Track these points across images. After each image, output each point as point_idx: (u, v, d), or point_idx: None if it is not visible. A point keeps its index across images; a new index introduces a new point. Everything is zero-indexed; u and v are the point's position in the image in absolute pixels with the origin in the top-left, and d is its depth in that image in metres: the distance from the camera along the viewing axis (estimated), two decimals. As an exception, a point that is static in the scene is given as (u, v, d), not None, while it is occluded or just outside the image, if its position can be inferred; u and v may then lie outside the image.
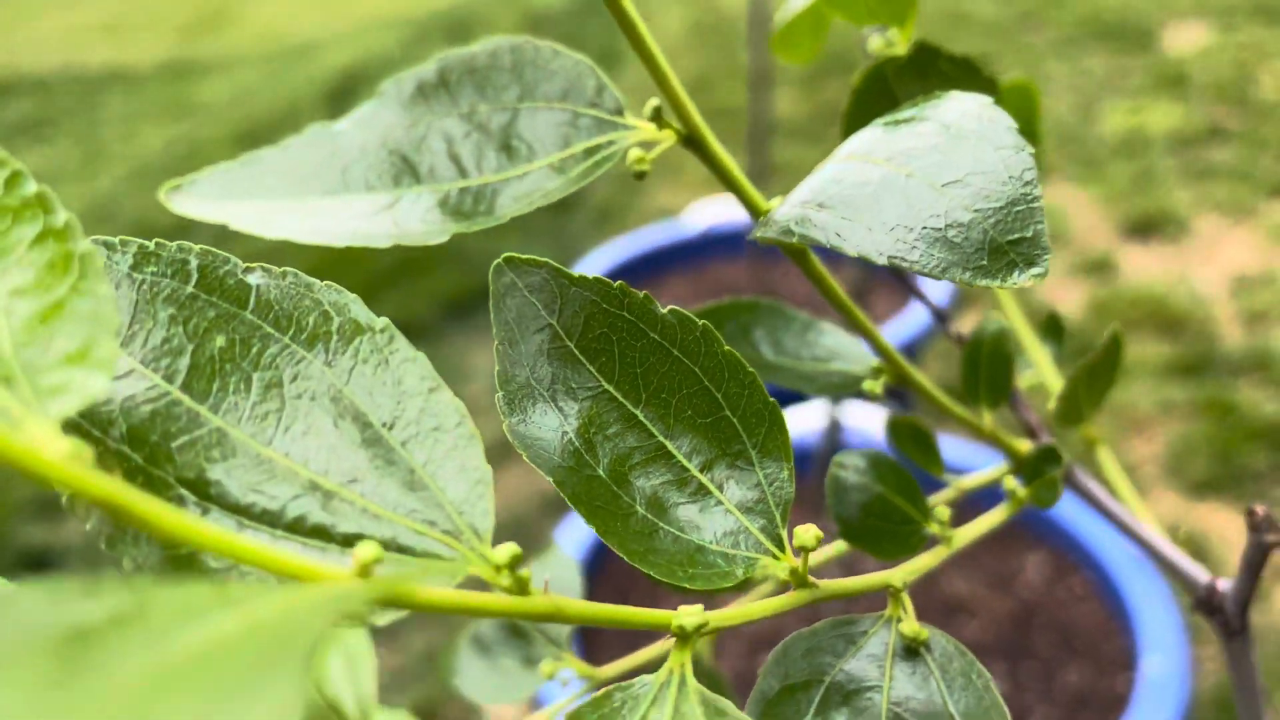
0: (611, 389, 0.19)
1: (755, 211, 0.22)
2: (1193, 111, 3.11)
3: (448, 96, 0.21)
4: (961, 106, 0.18)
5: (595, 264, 1.78)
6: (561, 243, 2.76)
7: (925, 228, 0.17)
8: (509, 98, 0.21)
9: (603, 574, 1.17)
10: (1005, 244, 0.16)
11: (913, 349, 1.43)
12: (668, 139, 0.22)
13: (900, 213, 0.17)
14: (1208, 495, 1.66)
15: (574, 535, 1.15)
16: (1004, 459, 0.25)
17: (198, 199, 0.21)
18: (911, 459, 0.26)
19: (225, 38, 4.91)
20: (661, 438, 0.18)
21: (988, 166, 0.17)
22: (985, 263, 0.16)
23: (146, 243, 0.17)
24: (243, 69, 4.50)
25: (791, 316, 0.26)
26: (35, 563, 1.91)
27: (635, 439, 0.18)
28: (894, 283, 1.73)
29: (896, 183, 0.17)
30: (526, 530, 1.78)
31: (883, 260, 0.17)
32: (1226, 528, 1.58)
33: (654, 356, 0.19)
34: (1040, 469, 0.24)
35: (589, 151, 0.21)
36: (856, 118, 0.26)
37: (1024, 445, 0.26)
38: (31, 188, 0.14)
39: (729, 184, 0.22)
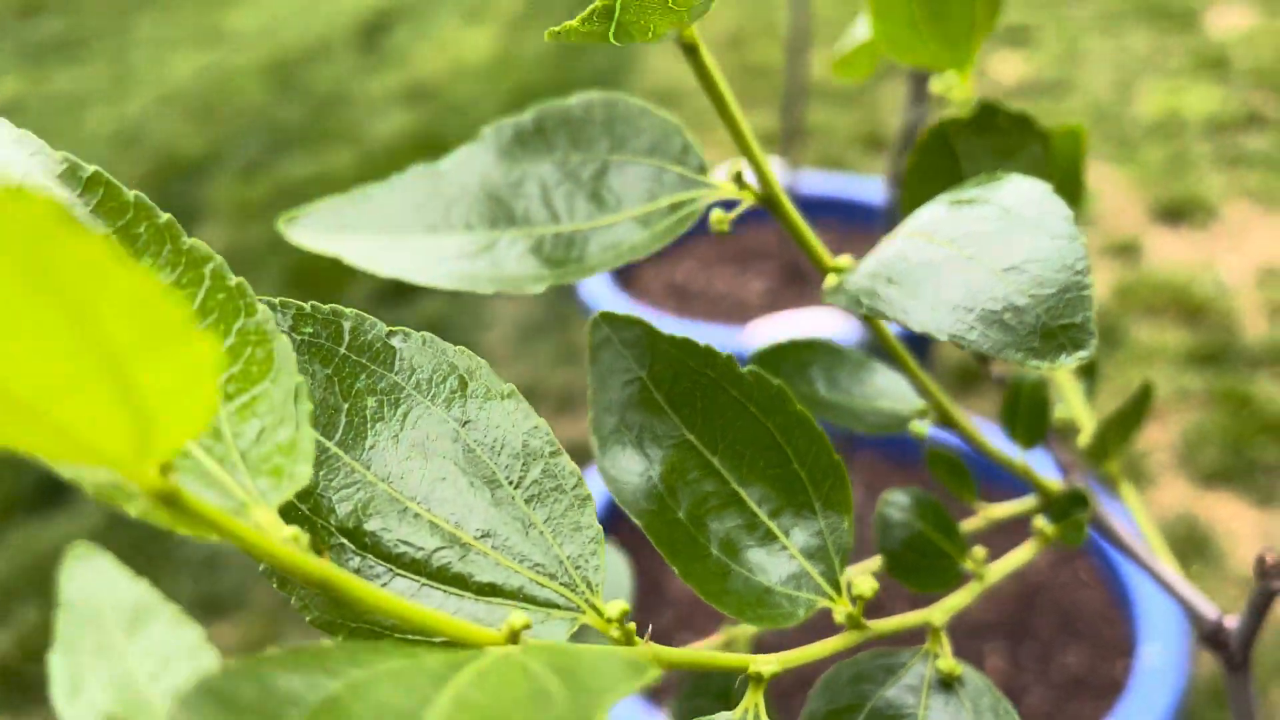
0: (693, 439, 0.21)
1: (822, 268, 0.24)
2: (1231, 96, 3.07)
3: (544, 144, 0.23)
4: (1020, 191, 0.20)
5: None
6: (588, 195, 2.78)
7: (984, 310, 0.18)
8: (600, 149, 0.23)
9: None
10: (1056, 328, 0.18)
11: (924, 349, 1.44)
12: (747, 199, 0.23)
13: (961, 294, 0.19)
14: (1217, 485, 1.68)
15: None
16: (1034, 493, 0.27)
17: (313, 231, 0.23)
18: (948, 487, 0.28)
19: (259, -34, 4.87)
20: (735, 485, 0.20)
21: (1044, 254, 0.19)
22: (1037, 345, 0.18)
23: (304, 305, 0.19)
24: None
25: (846, 355, 0.28)
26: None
27: (712, 485, 0.20)
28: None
29: (958, 265, 0.19)
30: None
31: (944, 337, 0.18)
32: (1233, 520, 1.60)
33: (732, 411, 0.21)
34: (1069, 510, 0.26)
35: (673, 207, 0.23)
36: (919, 174, 0.27)
37: (1054, 484, 0.27)
38: (232, 281, 0.15)
39: (799, 240, 0.24)
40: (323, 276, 2.54)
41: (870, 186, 1.87)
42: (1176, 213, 2.47)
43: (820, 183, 1.89)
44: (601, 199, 0.22)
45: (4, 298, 0.07)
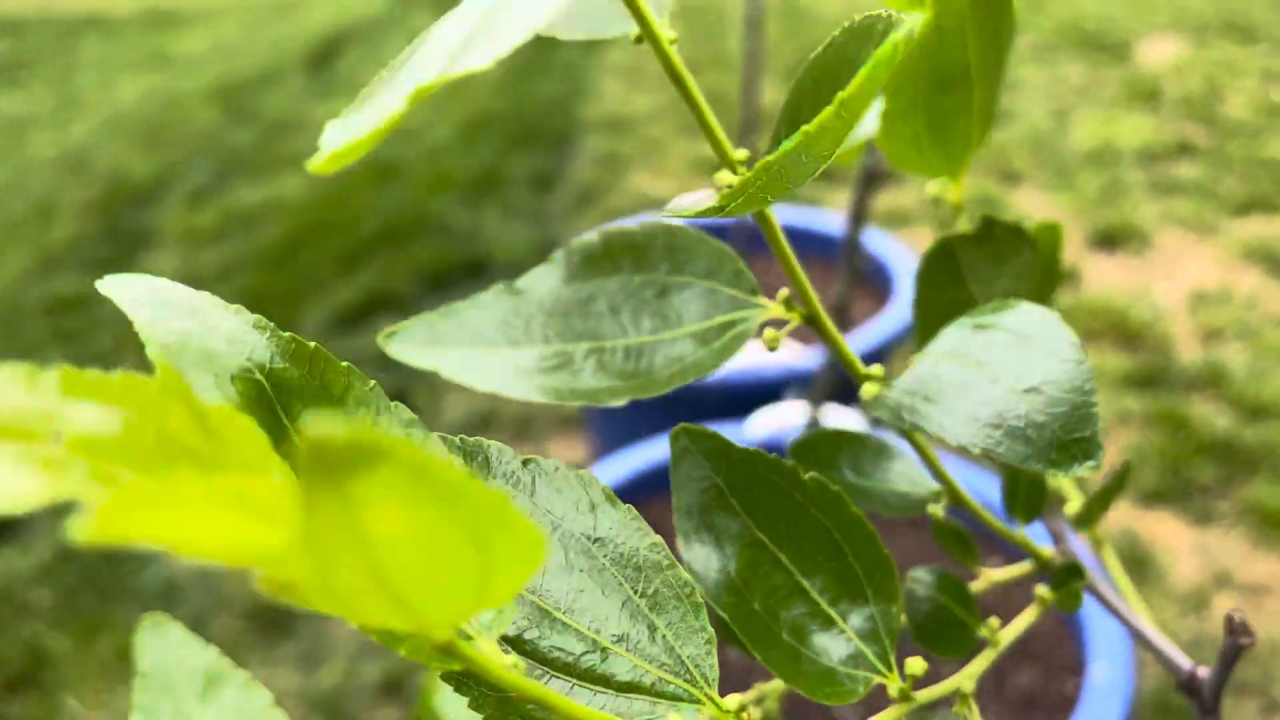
0: (763, 537, 0.24)
1: (857, 376, 0.27)
2: (1163, 126, 3.20)
3: (610, 265, 0.26)
4: (1031, 318, 0.24)
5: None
6: (541, 221, 2.79)
7: (1010, 426, 0.22)
8: (661, 271, 0.26)
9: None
10: (1070, 441, 0.22)
11: (883, 354, 1.49)
12: (795, 319, 0.27)
13: (989, 413, 0.22)
14: (1156, 505, 1.75)
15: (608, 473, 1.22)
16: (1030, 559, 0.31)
17: (410, 345, 0.26)
18: (953, 555, 0.31)
19: (206, -12, 4.83)
20: (800, 578, 0.24)
21: (1057, 377, 0.22)
22: (1054, 456, 0.22)
23: (468, 438, 0.22)
24: (223, 22, 4.45)
25: (868, 443, 0.32)
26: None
27: (780, 579, 0.24)
28: (872, 292, 1.79)
29: (985, 386, 0.23)
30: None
31: (977, 450, 0.22)
32: (1172, 538, 1.67)
33: (796, 512, 0.24)
34: (1066, 580, 0.30)
35: (726, 325, 0.26)
36: (928, 280, 0.31)
37: (1047, 551, 0.31)
38: (421, 434, 0.18)
39: (837, 351, 0.27)
40: (275, 304, 2.53)
41: (827, 217, 1.92)
42: (1112, 240, 2.57)
43: (777, 213, 1.93)
44: (663, 316, 0.25)
45: (427, 534, 0.10)
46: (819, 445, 0.31)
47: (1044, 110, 3.40)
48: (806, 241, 1.88)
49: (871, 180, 1.03)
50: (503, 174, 3.09)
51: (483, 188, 3.02)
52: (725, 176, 0.24)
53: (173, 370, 0.10)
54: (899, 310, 1.57)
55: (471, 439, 0.22)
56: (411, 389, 2.14)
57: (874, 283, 1.78)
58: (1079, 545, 0.32)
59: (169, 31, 4.58)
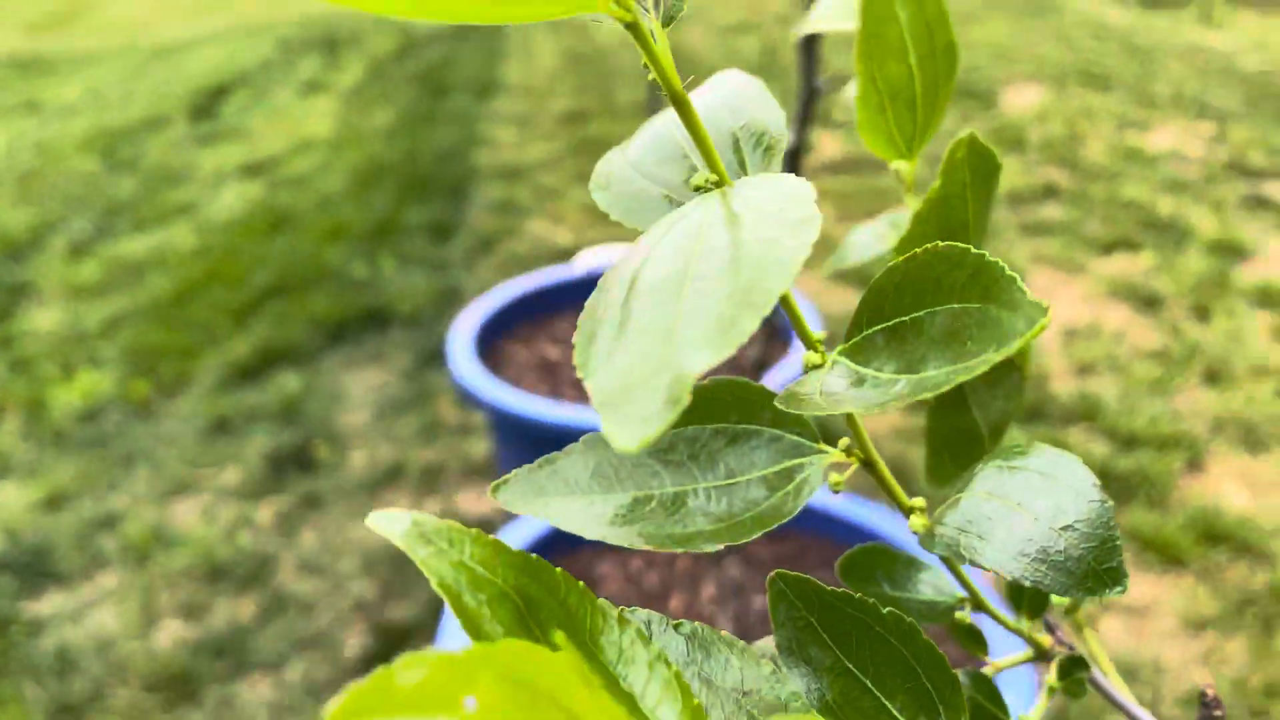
0: (851, 666, 0.28)
1: (904, 510, 0.31)
2: (1029, 170, 3.40)
3: (684, 415, 0.29)
4: (1053, 459, 0.28)
5: (495, 300, 1.84)
6: (440, 270, 2.79)
7: (1053, 560, 0.27)
8: (731, 419, 0.30)
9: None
10: (1102, 571, 0.26)
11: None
12: (854, 463, 0.31)
13: (1035, 548, 0.27)
14: (1046, 534, 1.86)
15: (521, 533, 1.23)
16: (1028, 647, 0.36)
17: (517, 496, 0.29)
18: (964, 647, 0.36)
19: (77, 34, 4.67)
20: (884, 700, 0.28)
21: (1087, 515, 0.27)
22: (1091, 584, 0.26)
23: (643, 612, 0.25)
24: (100, 68, 4.31)
25: (899, 557, 0.36)
26: None
27: (869, 702, 0.28)
28: (781, 342, 1.86)
29: (1028, 523, 0.27)
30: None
31: (1027, 583, 0.26)
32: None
33: (878, 643, 0.28)
34: (1070, 670, 0.34)
35: (793, 470, 0.30)
36: (936, 411, 0.36)
37: (1045, 639, 0.36)
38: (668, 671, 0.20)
39: (887, 489, 0.31)
40: (167, 358, 2.47)
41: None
42: (991, 279, 2.71)
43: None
44: (736, 462, 0.29)
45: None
46: (860, 561, 0.35)
47: (920, 155, 3.56)
48: None
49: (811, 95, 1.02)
50: (399, 223, 3.08)
51: (379, 237, 3.00)
52: (810, 358, 0.27)
53: (571, 647, 0.13)
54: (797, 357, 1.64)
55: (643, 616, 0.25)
56: (313, 443, 2.12)
57: (782, 335, 1.86)
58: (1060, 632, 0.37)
59: (40, 77, 4.41)
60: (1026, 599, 0.35)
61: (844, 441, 0.30)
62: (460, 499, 2.00)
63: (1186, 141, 3.63)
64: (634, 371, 0.17)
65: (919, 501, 0.31)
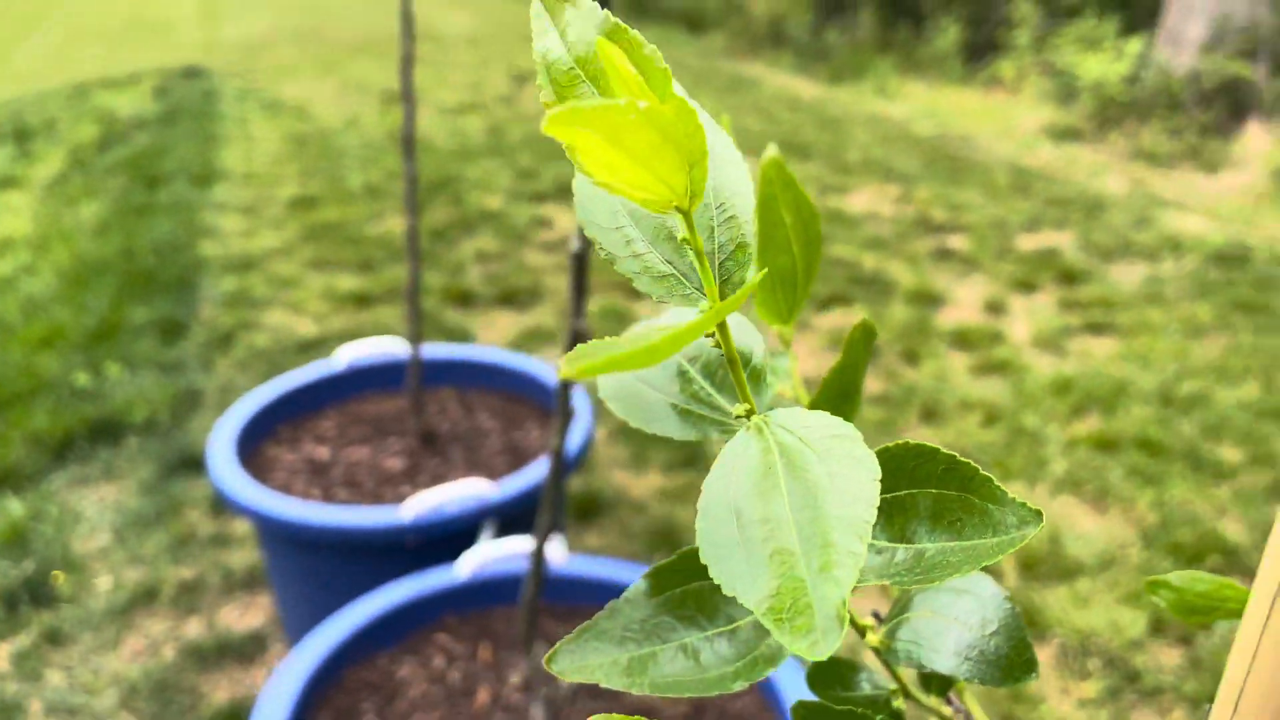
0: None
1: (858, 628, 0.36)
2: (750, 235, 3.65)
3: (681, 576, 0.33)
4: (984, 584, 0.35)
5: (254, 401, 1.78)
6: (173, 371, 2.63)
7: (988, 660, 0.33)
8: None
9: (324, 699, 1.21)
10: (1020, 661, 0.33)
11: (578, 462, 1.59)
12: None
13: (974, 653, 0.34)
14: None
15: (314, 647, 1.19)
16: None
17: (568, 662, 0.31)
18: None
19: None
20: None
21: (1004, 620, 0.34)
22: (1016, 674, 0.33)
23: None
24: None
25: (844, 663, 0.41)
26: None
27: None
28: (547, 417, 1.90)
29: (964, 633, 0.34)
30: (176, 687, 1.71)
31: (966, 678, 0.33)
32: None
33: None
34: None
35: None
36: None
37: (949, 709, 0.42)
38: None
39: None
40: None
41: (488, 350, 2.02)
42: (728, 340, 2.89)
43: (443, 351, 2.01)
44: (728, 612, 0.33)
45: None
46: (821, 672, 0.40)
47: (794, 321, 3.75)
48: (469, 375, 1.97)
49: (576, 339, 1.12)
50: (121, 324, 2.89)
51: (100, 340, 2.80)
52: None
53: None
54: (570, 442, 1.69)
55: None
56: (49, 573, 1.94)
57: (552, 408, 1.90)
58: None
59: None
60: (935, 683, 0.42)
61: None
62: (222, 614, 1.89)
63: (879, 202, 4.04)
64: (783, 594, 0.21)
65: (869, 622, 0.37)
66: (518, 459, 1.78)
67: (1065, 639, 1.81)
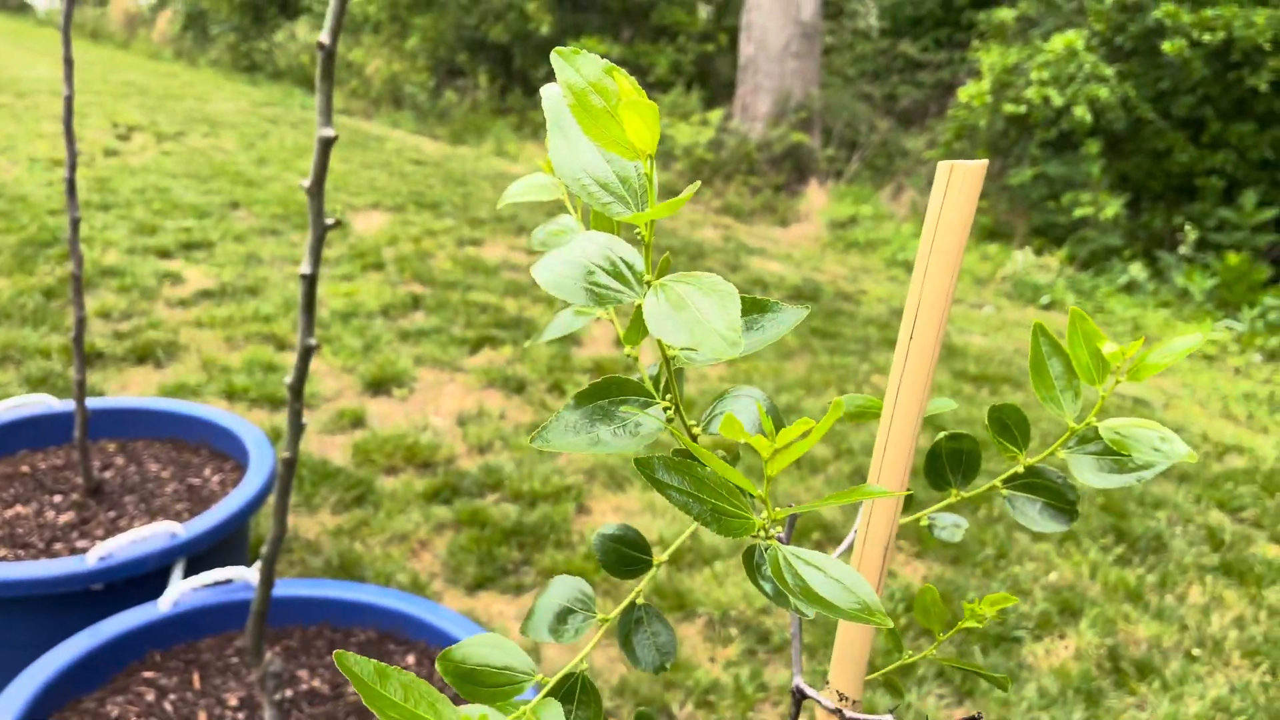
0: None
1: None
2: (394, 285, 3.78)
3: (590, 395, 0.49)
4: (842, 569, 0.56)
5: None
6: None
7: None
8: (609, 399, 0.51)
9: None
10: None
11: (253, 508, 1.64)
12: (667, 405, 0.54)
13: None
14: (481, 590, 2.15)
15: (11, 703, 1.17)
16: None
17: (544, 440, 0.47)
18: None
19: None
20: None
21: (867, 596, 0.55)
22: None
23: None
24: None
25: None
26: None
27: None
28: (231, 467, 1.93)
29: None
30: None
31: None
32: (502, 614, 2.07)
33: None
34: None
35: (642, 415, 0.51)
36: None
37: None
38: None
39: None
40: None
41: (152, 400, 2.01)
42: (383, 384, 2.99)
43: (101, 402, 1.97)
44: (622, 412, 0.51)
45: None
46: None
47: (285, 273, 3.75)
48: (188, 427, 1.96)
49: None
50: None
51: None
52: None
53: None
54: (252, 481, 1.75)
55: None
56: None
57: (233, 458, 1.93)
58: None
59: None
60: None
61: (665, 401, 0.53)
62: None
63: (512, 253, 4.32)
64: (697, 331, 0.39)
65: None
66: (198, 503, 1.80)
67: (710, 612, 2.11)
